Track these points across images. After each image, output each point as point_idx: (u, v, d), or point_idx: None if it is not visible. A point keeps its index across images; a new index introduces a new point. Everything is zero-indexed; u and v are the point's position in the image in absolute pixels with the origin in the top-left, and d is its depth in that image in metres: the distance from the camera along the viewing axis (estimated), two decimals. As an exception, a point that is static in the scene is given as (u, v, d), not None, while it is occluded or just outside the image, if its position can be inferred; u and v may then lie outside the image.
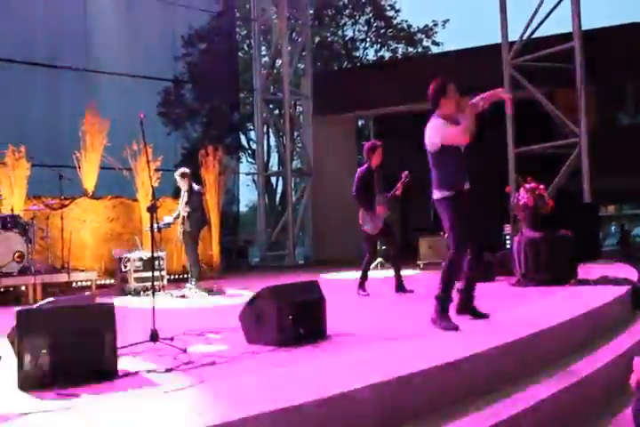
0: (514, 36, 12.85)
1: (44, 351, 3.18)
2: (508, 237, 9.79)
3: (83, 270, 8.90)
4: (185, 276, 9.93)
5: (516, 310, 5.15)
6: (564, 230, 7.30)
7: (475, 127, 4.44)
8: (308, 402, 2.57)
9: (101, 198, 10.52)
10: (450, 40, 23.14)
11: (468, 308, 4.75)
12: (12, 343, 3.50)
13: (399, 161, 9.89)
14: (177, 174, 8.65)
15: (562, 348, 4.25)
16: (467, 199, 4.55)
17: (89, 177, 10.35)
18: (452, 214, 4.47)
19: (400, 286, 7.07)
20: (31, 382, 3.15)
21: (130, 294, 8.48)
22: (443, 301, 4.42)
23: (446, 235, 4.61)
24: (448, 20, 23.73)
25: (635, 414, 1.29)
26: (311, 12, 19.55)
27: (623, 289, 6.05)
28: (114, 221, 10.50)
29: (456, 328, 4.26)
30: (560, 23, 12.75)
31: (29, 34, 13.66)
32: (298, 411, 2.53)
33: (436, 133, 4.46)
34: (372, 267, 7.18)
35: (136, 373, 3.37)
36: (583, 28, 12.13)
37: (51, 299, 4.18)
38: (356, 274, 7.40)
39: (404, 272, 7.27)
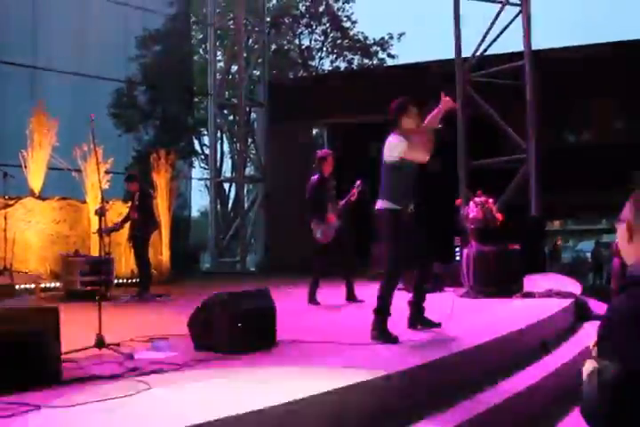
0: (467, 52, 13.16)
1: (-18, 355, 3.06)
2: (457, 249, 9.95)
3: (27, 273, 8.64)
4: (134, 280, 9.75)
5: (463, 322, 5.22)
6: (512, 244, 7.47)
7: (431, 145, 4.54)
8: (249, 412, 2.54)
9: (48, 199, 10.24)
10: (405, 53, 23.46)
11: (418, 319, 4.79)
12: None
13: (352, 170, 9.96)
14: (125, 178, 8.55)
15: (508, 357, 4.34)
16: (408, 217, 4.57)
17: (36, 177, 10.08)
18: (391, 228, 4.52)
19: (351, 295, 7.09)
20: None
21: (76, 298, 8.26)
22: (381, 314, 4.40)
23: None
24: (404, 34, 24.09)
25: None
26: (268, 19, 19.57)
27: (567, 302, 6.22)
28: (60, 223, 10.23)
29: (395, 340, 4.24)
30: (512, 42, 13.12)
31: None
32: (238, 421, 2.49)
33: (396, 148, 4.52)
34: (320, 276, 7.16)
35: (80, 379, 3.27)
36: (534, 48, 12.51)
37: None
38: (307, 283, 7.38)
39: (355, 281, 7.29)
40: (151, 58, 16.57)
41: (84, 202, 10.50)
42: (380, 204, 4.58)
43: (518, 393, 3.67)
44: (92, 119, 4.68)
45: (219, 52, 18.53)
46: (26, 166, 9.96)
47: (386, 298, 4.46)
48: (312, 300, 7.08)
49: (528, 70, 12.17)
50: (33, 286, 8.51)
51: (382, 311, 4.41)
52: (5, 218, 8.38)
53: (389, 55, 23.90)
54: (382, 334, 4.32)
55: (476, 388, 3.66)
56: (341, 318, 6.14)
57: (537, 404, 3.88)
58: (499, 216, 7.54)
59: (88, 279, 8.38)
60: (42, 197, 10.14)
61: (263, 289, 4.57)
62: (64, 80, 14.06)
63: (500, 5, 12.69)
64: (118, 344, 4.09)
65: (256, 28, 17.74)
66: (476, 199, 7.61)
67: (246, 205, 16.78)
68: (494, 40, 12.78)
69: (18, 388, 3.02)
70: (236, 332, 4.02)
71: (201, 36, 21.03)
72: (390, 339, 4.25)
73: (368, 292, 7.82)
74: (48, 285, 9.28)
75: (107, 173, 9.90)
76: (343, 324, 5.61)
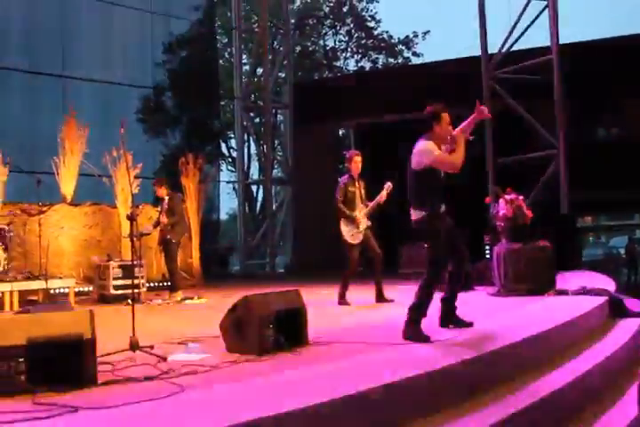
0: (493, 48, 13.04)
1: (22, 359, 3.13)
2: (487, 247, 9.86)
3: (60, 278, 8.79)
4: (164, 284, 9.86)
5: (495, 320, 5.18)
6: (543, 241, 7.38)
7: (462, 155, 4.54)
8: (287, 411, 2.55)
9: (80, 205, 10.43)
10: (430, 51, 23.33)
11: (450, 318, 4.77)
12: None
13: (381, 171, 9.95)
14: (153, 183, 8.65)
15: (541, 357, 4.29)
16: (444, 217, 4.63)
17: (67, 183, 10.26)
18: (431, 234, 4.53)
19: (380, 296, 7.08)
20: (8, 389, 3.09)
21: (109, 301, 8.39)
22: (415, 313, 4.41)
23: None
24: (429, 32, 23.99)
25: None
26: (293, 21, 19.63)
27: (601, 299, 6.12)
28: (92, 228, 10.41)
29: (427, 340, 4.22)
30: (539, 37, 12.96)
31: (6, 39, 13.56)
32: (277, 421, 2.51)
33: (427, 155, 4.49)
34: (351, 277, 7.17)
35: (115, 381, 3.33)
36: (562, 42, 12.34)
37: (29, 307, 4.13)
38: (337, 284, 7.38)
39: (384, 282, 7.28)
40: (177, 63, 16.75)
41: (115, 207, 10.66)
42: (416, 215, 4.59)
43: (552, 392, 3.63)
44: (122, 125, 4.73)
45: (244, 55, 18.64)
46: (58, 173, 10.15)
47: (424, 300, 4.46)
48: (342, 300, 7.09)
49: (556, 65, 12.00)
50: (67, 290, 8.66)
51: (418, 311, 4.41)
52: (39, 224, 8.54)
53: (415, 54, 23.84)
54: (415, 333, 4.31)
55: (510, 388, 3.63)
56: (372, 318, 6.12)
57: (572, 403, 3.83)
58: (529, 213, 7.45)
59: (120, 283, 8.51)
60: (74, 203, 10.32)
61: (293, 290, 4.59)
62: (93, 88, 14.31)
63: (525, 0, 12.55)
64: (152, 347, 4.14)
65: (280, 31, 17.81)
66: (506, 197, 7.54)
67: (274, 207, 16.84)
68: (520, 36, 12.64)
69: (56, 390, 3.09)
70: (268, 333, 4.04)
71: (226, 40, 21.20)
72: (423, 338, 4.23)
73: (397, 292, 7.84)
74: (81, 289, 9.44)
75: (136, 177, 10.04)
76: (374, 324, 5.60)
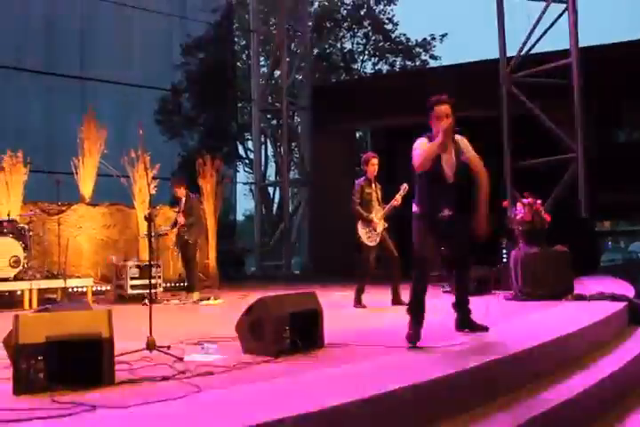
0: (512, 51, 12.95)
1: (40, 357, 3.16)
2: (504, 251, 9.80)
3: (79, 277, 8.87)
4: (181, 284, 9.91)
5: (511, 325, 5.14)
6: (561, 245, 7.32)
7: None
8: (302, 414, 2.55)
9: (98, 205, 10.52)
10: (448, 54, 23.24)
11: (465, 323, 4.74)
12: (8, 348, 3.48)
13: (398, 173, 9.92)
14: (172, 183, 8.71)
15: (558, 362, 4.25)
16: (444, 221, 4.36)
17: (86, 183, 10.35)
18: (415, 232, 4.43)
19: (396, 299, 7.05)
20: (26, 387, 3.12)
21: (126, 301, 8.45)
22: (410, 314, 4.40)
23: None
24: (446, 34, 23.89)
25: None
26: (310, 23, 19.65)
27: (620, 305, 6.05)
28: (110, 228, 10.49)
29: (412, 345, 4.15)
30: (558, 40, 12.86)
31: (26, 41, 13.72)
32: (295, 422, 2.51)
33: (413, 153, 4.37)
34: (367, 279, 7.16)
35: (132, 381, 3.35)
36: (581, 45, 12.24)
37: (47, 305, 4.16)
38: (353, 286, 7.37)
39: (401, 284, 7.25)
40: (195, 65, 16.84)
41: (133, 207, 10.73)
42: (413, 208, 4.55)
43: (570, 399, 3.59)
44: (140, 126, 4.76)
45: (261, 58, 18.70)
46: (77, 173, 10.24)
47: (412, 299, 4.45)
48: (358, 303, 7.08)
49: (575, 68, 11.91)
50: (85, 289, 8.73)
51: (411, 311, 4.41)
52: (59, 224, 8.62)
53: (432, 57, 23.74)
54: (410, 333, 4.27)
55: (526, 394, 3.59)
56: (388, 320, 6.11)
57: (589, 410, 3.79)
58: (547, 217, 7.39)
59: (137, 283, 8.56)
60: (92, 203, 10.41)
61: (309, 292, 4.59)
62: (112, 90, 14.43)
63: (545, 3, 12.47)
64: (168, 347, 4.16)
65: (298, 33, 17.82)
66: (524, 200, 7.48)
67: (291, 209, 16.85)
68: (539, 38, 12.55)
69: (74, 388, 3.12)
70: (283, 335, 4.04)
71: (244, 43, 21.26)
72: (409, 342, 4.19)
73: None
74: (99, 288, 9.52)
75: (154, 178, 10.10)
76: (390, 327, 5.58)
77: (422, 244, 4.39)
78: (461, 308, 4.75)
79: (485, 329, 4.69)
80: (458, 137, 4.49)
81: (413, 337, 4.21)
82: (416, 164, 4.28)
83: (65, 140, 11.44)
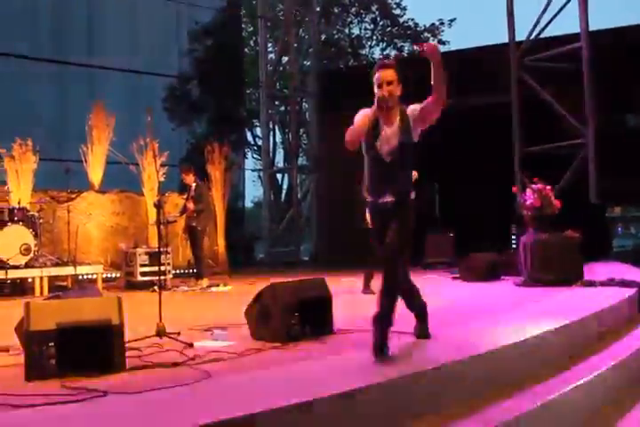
0: (521, 35, 12.82)
1: (52, 344, 3.18)
2: (513, 236, 9.77)
3: (89, 264, 8.91)
4: (190, 271, 9.95)
5: (520, 311, 5.12)
6: (571, 231, 7.28)
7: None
8: (311, 400, 2.55)
9: (108, 192, 10.55)
10: (456, 40, 23.01)
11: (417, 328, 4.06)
12: (20, 335, 3.50)
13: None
14: (181, 170, 8.72)
15: (565, 350, 4.23)
16: (387, 209, 3.71)
17: (95, 171, 10.38)
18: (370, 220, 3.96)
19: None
20: (38, 373, 3.14)
21: (135, 288, 8.50)
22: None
23: None
24: (455, 19, 23.65)
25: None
26: (318, 9, 19.49)
27: (630, 291, 6.02)
28: (120, 215, 10.54)
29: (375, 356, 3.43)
30: (568, 23, 12.71)
31: (35, 29, 13.70)
32: (304, 407, 2.51)
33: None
34: (375, 267, 7.15)
35: (143, 367, 3.36)
36: (591, 29, 12.08)
37: (58, 292, 4.18)
38: (362, 272, 7.37)
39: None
40: (203, 52, 16.76)
41: (142, 194, 10.75)
42: None
43: (575, 387, 3.57)
44: (148, 113, 4.75)
45: (269, 44, 18.58)
46: (86, 161, 10.25)
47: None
48: (366, 289, 7.08)
49: (585, 53, 11.77)
50: (95, 276, 8.77)
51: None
52: (68, 211, 8.66)
53: (440, 42, 23.49)
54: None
55: (535, 380, 3.58)
56: (398, 306, 6.10)
57: (592, 400, 3.77)
58: (557, 203, 7.35)
59: (147, 270, 8.60)
60: (101, 191, 10.44)
61: (319, 279, 4.59)
62: (119, 77, 14.41)
63: (555, -14, 12.32)
64: (178, 333, 4.18)
65: (306, 19, 17.69)
66: (534, 186, 7.44)
67: (299, 195, 16.84)
68: (549, 22, 12.40)
69: (85, 375, 3.14)
70: (292, 321, 4.05)
71: (251, 29, 21.12)
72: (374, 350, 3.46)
73: (423, 281, 7.81)
74: (109, 275, 9.57)
75: (162, 165, 10.10)
76: (400, 312, 5.57)
77: (371, 234, 3.89)
78: (411, 310, 4.05)
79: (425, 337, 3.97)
80: (410, 107, 3.74)
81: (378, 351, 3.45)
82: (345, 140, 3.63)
83: (74, 127, 11.45)
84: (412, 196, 3.80)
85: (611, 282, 6.66)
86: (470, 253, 8.45)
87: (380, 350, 3.44)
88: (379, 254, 3.84)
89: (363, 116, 3.66)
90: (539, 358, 3.90)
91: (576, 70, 11.77)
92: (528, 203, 7.37)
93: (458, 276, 8.52)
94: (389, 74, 3.71)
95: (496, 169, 12.41)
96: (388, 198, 3.71)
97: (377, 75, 3.72)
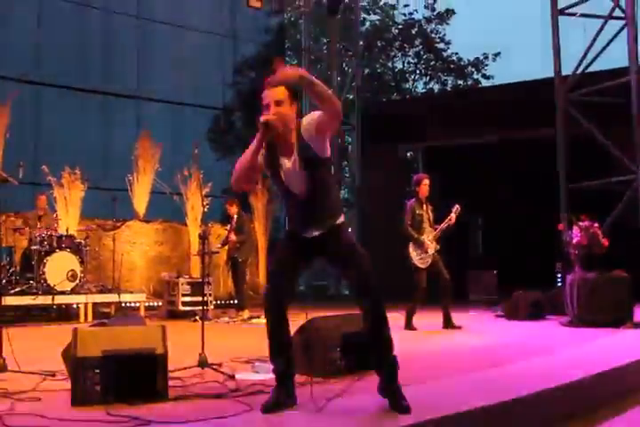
0: (567, 70, 12.79)
1: (97, 370, 3.25)
2: (559, 275, 9.61)
3: (132, 292, 9.07)
4: (231, 302, 10.01)
5: (566, 353, 5.02)
6: (620, 270, 7.13)
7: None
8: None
9: (152, 222, 10.77)
10: (500, 74, 23.07)
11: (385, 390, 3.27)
12: (67, 361, 3.59)
13: (448, 194, 9.87)
14: (225, 201, 8.87)
15: (612, 396, 4.10)
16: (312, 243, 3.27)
17: (140, 200, 10.63)
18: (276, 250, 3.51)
19: (448, 322, 6.99)
20: (83, 399, 3.21)
21: (177, 317, 8.59)
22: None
23: None
24: (499, 54, 23.76)
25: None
26: (361, 43, 19.83)
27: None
28: (163, 245, 10.73)
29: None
30: (616, 57, 12.64)
31: (84, 62, 14.25)
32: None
33: None
34: (419, 303, 7.11)
35: (185, 397, 3.40)
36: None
37: (104, 320, 4.28)
38: (404, 308, 7.33)
39: (453, 308, 7.18)
40: (247, 85, 17.16)
41: (185, 224, 10.94)
42: None
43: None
44: (195, 146, 4.89)
45: (313, 77, 18.94)
46: (132, 190, 10.52)
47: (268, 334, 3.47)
48: (409, 326, 7.03)
49: (634, 86, 11.67)
50: (138, 304, 8.91)
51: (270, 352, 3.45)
52: (114, 240, 8.86)
53: (484, 76, 23.63)
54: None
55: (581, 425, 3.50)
56: (439, 344, 6.04)
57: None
58: (605, 242, 7.22)
59: (189, 300, 8.70)
60: (146, 220, 10.67)
61: (360, 313, 4.58)
62: (166, 109, 14.84)
63: (602, 20, 12.29)
64: (220, 364, 4.22)
65: (349, 53, 18.00)
66: (581, 224, 7.34)
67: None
68: (597, 56, 12.36)
69: (129, 402, 3.19)
70: (335, 356, 4.05)
71: (295, 62, 21.58)
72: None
73: (466, 319, 7.73)
74: (151, 303, 9.70)
75: (206, 196, 10.29)
76: (441, 350, 5.52)
77: (271, 267, 3.50)
78: (380, 366, 3.32)
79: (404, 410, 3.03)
80: (306, 120, 3.13)
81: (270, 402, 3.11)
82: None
83: (121, 157, 11.79)
84: (342, 219, 3.32)
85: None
86: (514, 291, 8.33)
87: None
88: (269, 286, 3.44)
89: (247, 151, 3.14)
90: (583, 402, 3.79)
91: (624, 104, 11.66)
92: (575, 241, 7.27)
93: (501, 314, 8.40)
94: (278, 92, 3.16)
95: (541, 205, 12.28)
96: (315, 232, 3.25)
97: (263, 93, 3.19)
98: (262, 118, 3.08)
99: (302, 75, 2.98)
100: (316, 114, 3.11)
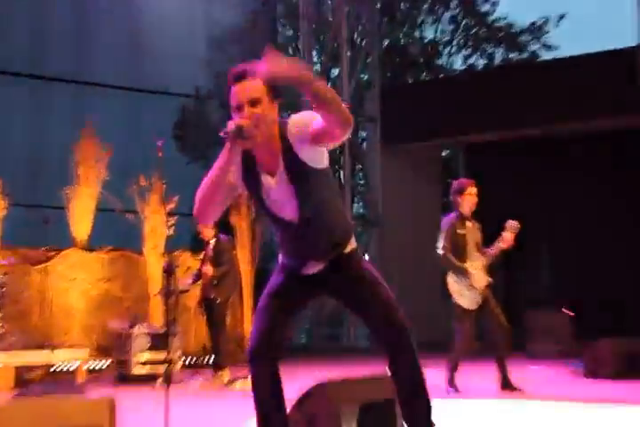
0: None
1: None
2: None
3: (69, 347, 8.98)
4: (206, 359, 9.94)
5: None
6: None
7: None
8: None
9: (96, 250, 10.70)
10: (567, 43, 23.13)
11: None
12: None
13: (499, 207, 9.78)
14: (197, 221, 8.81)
15: None
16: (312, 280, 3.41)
17: (81, 221, 10.56)
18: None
19: (506, 383, 6.90)
20: None
21: (131, 382, 8.50)
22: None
23: None
24: (564, 16, 23.83)
25: None
26: (378, 6, 19.91)
27: None
28: (111, 281, 10.64)
29: None
30: None
31: (10, 39, 14.32)
32: None
33: None
34: (463, 354, 7.03)
35: None
36: None
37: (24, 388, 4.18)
38: (442, 363, 7.24)
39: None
40: (226, 63, 17.20)
41: (142, 253, 10.86)
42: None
43: None
44: (159, 147, 4.83)
45: (314, 53, 18.98)
46: (69, 208, 10.46)
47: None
48: (450, 385, 6.93)
49: None
50: (76, 365, 8.80)
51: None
52: (44, 275, 8.79)
53: (545, 46, 23.70)
54: None
55: None
56: (495, 414, 5.94)
57: None
58: None
59: (148, 358, 8.61)
60: (88, 248, 10.60)
61: (385, 376, 4.49)
62: (115, 96, 14.87)
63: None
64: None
65: (363, 19, 18.04)
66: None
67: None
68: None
69: None
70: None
71: (291, 33, 21.67)
72: None
73: (528, 377, 7.60)
74: (94, 364, 9.58)
75: (171, 214, 10.22)
76: (491, 421, 5.42)
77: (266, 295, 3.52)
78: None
79: None
80: (292, 123, 3.16)
81: None
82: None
83: (56, 164, 11.77)
84: (352, 245, 3.43)
85: None
86: (599, 339, 8.23)
87: None
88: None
89: (212, 171, 3.24)
90: None
91: None
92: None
93: (581, 370, 8.32)
94: (253, 88, 3.14)
95: (625, 220, 12.19)
96: (316, 267, 3.36)
97: (231, 91, 3.20)
98: (232, 124, 3.05)
99: (303, 74, 2.92)
100: (309, 117, 3.11)
